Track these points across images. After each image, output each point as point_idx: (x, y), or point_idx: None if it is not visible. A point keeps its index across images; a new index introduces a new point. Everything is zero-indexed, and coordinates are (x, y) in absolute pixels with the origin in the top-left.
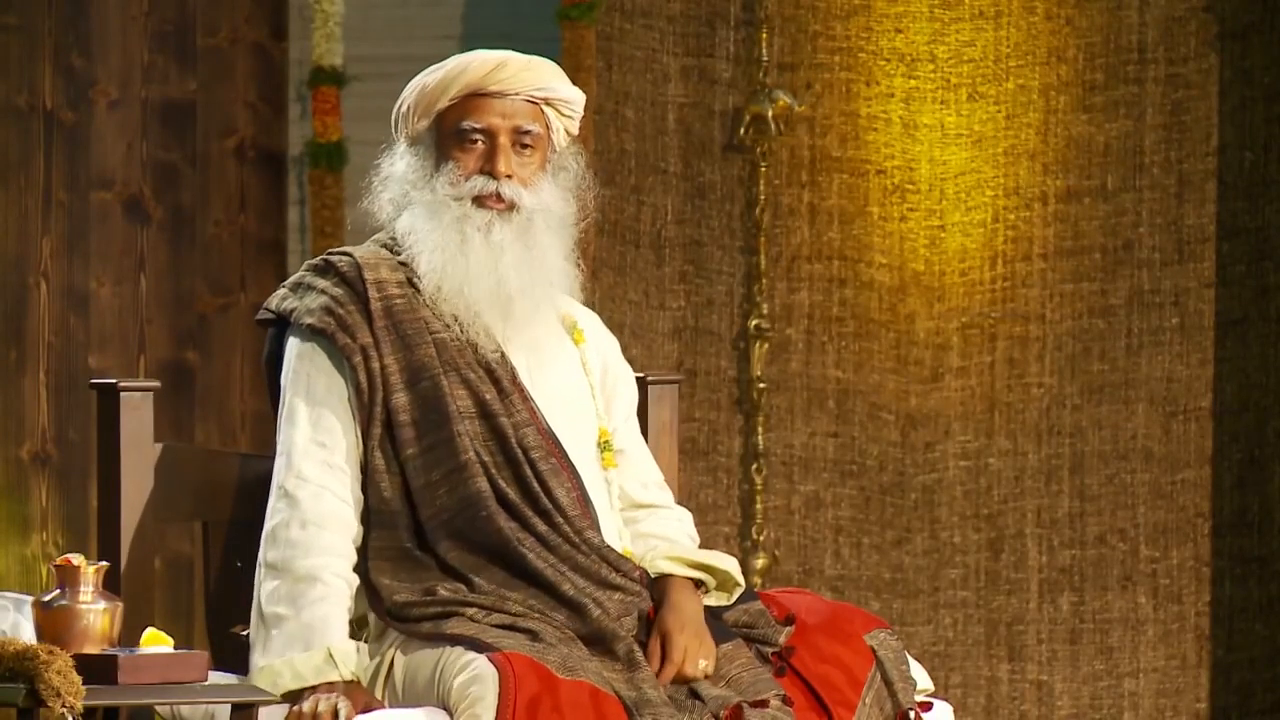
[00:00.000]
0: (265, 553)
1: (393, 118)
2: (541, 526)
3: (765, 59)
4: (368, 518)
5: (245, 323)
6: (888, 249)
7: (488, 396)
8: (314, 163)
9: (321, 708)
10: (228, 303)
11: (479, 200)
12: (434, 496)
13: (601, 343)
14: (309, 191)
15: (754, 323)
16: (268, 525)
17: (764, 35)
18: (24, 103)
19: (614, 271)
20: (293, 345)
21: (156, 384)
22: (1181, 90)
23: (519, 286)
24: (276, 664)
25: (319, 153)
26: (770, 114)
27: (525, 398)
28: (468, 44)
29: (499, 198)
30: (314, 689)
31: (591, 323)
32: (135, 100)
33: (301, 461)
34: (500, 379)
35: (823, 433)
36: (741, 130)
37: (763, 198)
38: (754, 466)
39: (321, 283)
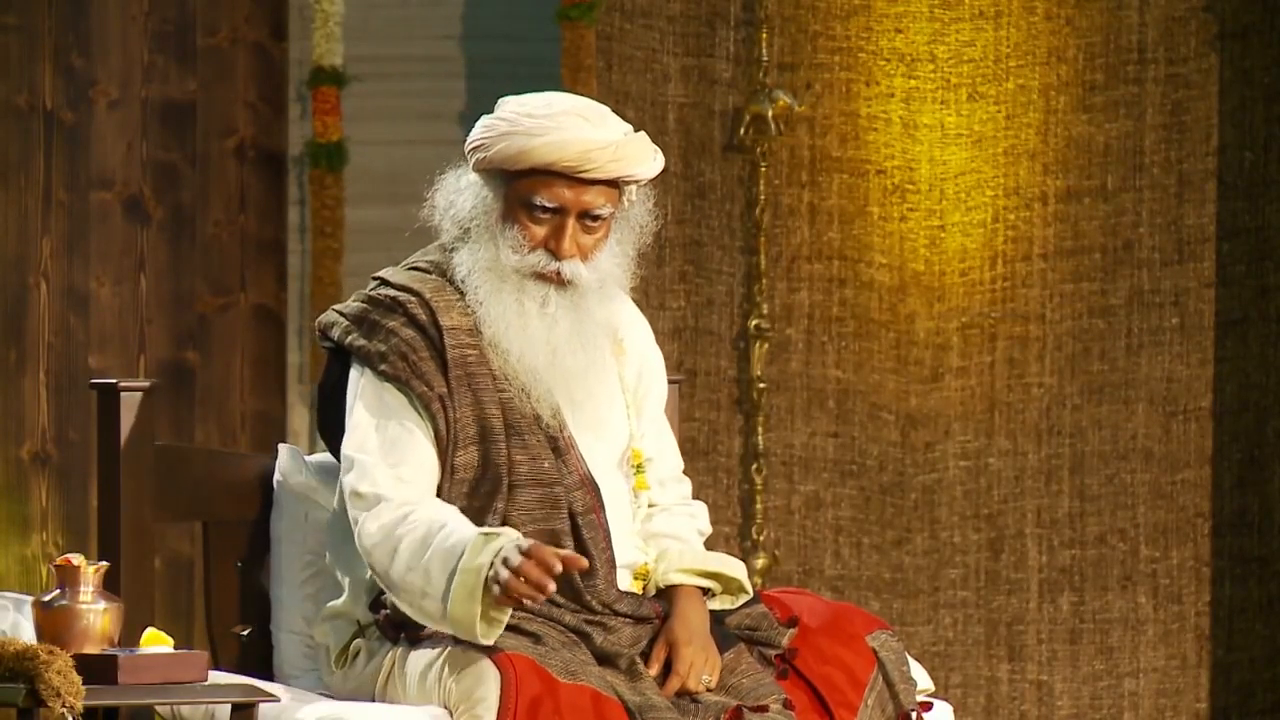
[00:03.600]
0: (372, 563)
1: (466, 145)
2: (561, 600)
3: (765, 59)
4: None
5: (245, 323)
6: (888, 249)
7: (546, 465)
8: (314, 163)
9: (505, 572)
10: (228, 303)
11: (537, 275)
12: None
13: (638, 342)
14: (309, 191)
15: (754, 323)
16: (359, 544)
17: (764, 35)
18: (24, 103)
19: None
20: (365, 379)
21: (156, 383)
22: (1181, 90)
23: (574, 364)
24: (455, 612)
25: (319, 153)
26: (770, 114)
27: (576, 457)
28: (467, 44)
29: (558, 275)
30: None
31: (629, 323)
32: (135, 100)
33: (374, 470)
34: (556, 438)
35: (823, 433)
36: (741, 130)
37: (763, 198)
38: (754, 466)
39: (389, 322)
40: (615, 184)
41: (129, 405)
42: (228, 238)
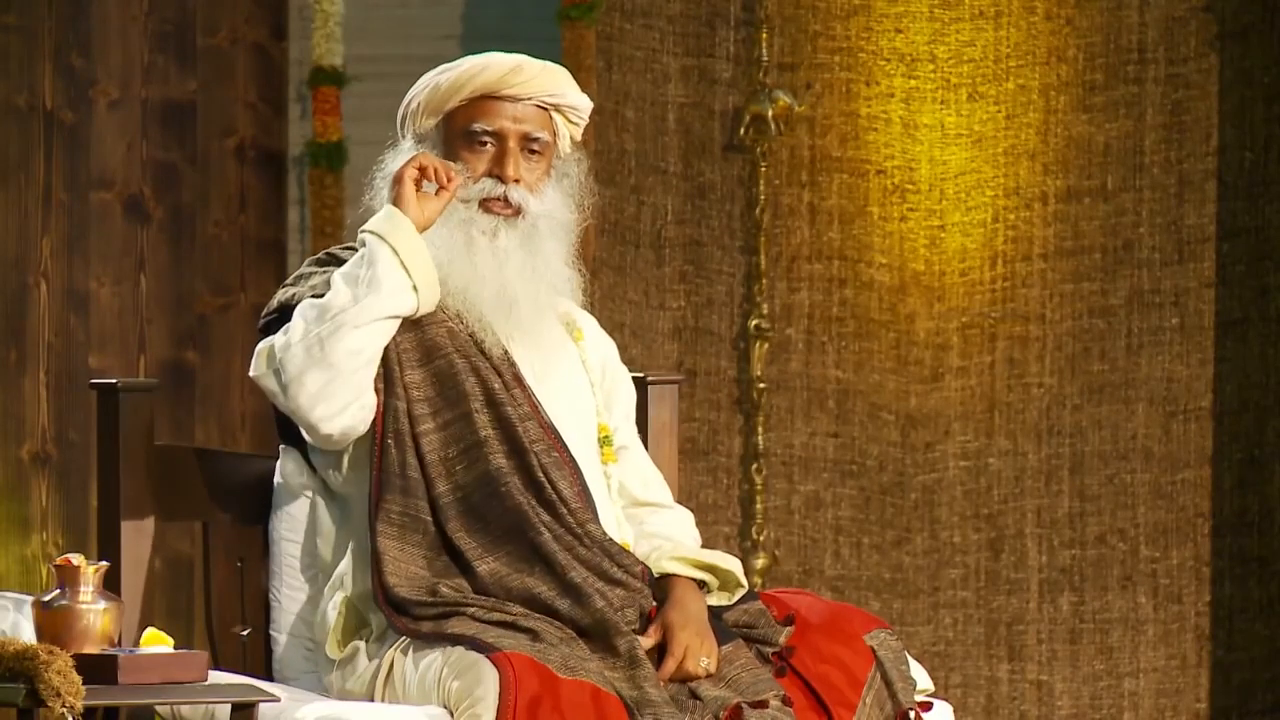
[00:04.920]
0: (300, 329)
1: (399, 114)
2: (546, 516)
3: (765, 59)
4: (388, 481)
5: (245, 323)
6: (888, 249)
7: (495, 386)
8: (314, 163)
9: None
10: (228, 303)
11: (485, 204)
12: (450, 472)
13: (600, 344)
14: (309, 191)
15: (754, 323)
16: (281, 356)
17: (764, 35)
18: (24, 103)
19: (614, 271)
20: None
21: (156, 384)
22: (1181, 90)
23: (522, 292)
24: (393, 240)
25: (319, 153)
26: (770, 114)
27: (527, 393)
28: (468, 44)
29: (506, 202)
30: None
31: (589, 324)
32: (135, 100)
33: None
34: (503, 373)
35: (823, 433)
36: (741, 130)
37: (763, 198)
38: (754, 466)
39: (323, 270)
40: (548, 114)
41: (129, 405)
42: (228, 238)
